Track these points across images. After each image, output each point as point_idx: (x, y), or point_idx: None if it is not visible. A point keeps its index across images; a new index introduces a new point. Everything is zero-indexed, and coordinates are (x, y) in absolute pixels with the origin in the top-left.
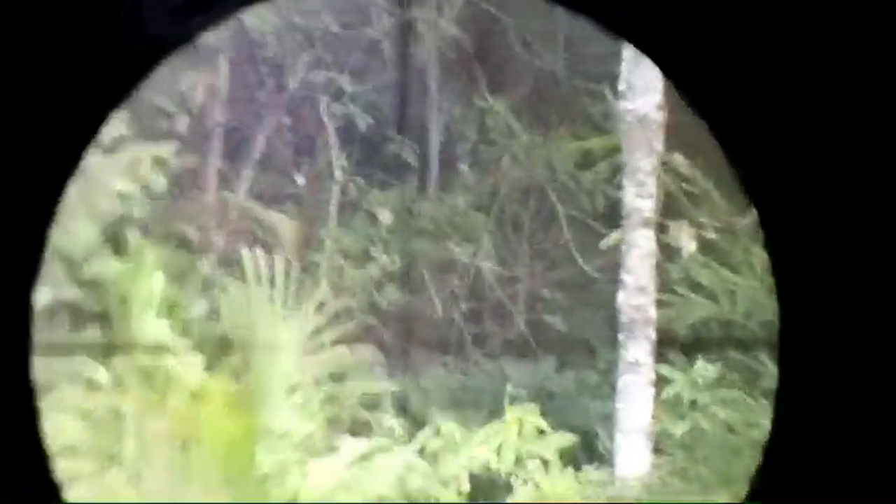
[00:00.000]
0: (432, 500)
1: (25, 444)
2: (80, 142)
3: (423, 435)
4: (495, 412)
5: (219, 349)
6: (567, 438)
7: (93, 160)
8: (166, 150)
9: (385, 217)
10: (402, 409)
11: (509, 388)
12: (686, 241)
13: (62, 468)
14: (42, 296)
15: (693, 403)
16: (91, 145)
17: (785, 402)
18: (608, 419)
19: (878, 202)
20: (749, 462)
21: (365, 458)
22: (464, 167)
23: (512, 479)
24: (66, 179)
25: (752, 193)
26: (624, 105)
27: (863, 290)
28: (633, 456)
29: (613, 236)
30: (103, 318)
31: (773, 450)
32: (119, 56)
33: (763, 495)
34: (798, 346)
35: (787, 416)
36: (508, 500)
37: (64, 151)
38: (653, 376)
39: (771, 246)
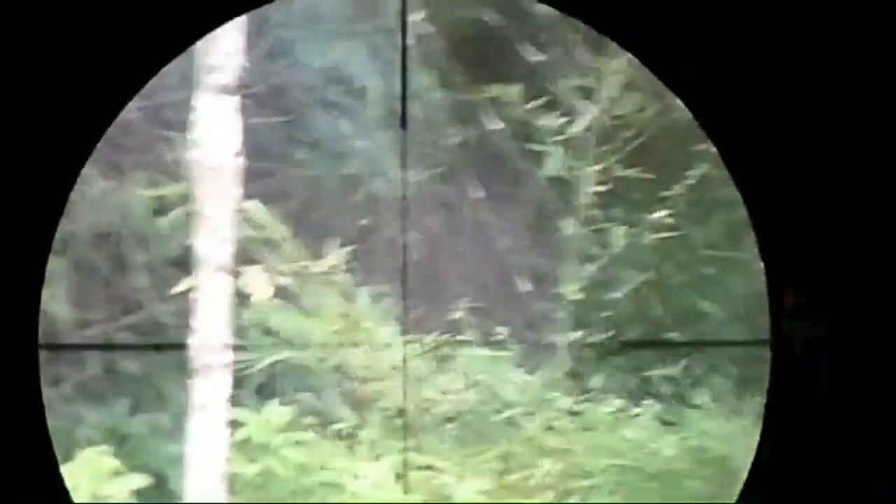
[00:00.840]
0: None
1: (34, 448)
2: (77, 154)
3: None
4: (69, 454)
5: None
6: (140, 480)
7: None
8: None
9: None
10: None
11: (83, 430)
12: (260, 286)
13: None
14: None
15: (265, 446)
16: (85, 160)
17: (779, 403)
18: (181, 461)
19: (874, 204)
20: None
21: None
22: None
23: None
24: (66, 189)
25: (746, 194)
26: (197, 153)
27: (859, 291)
28: (205, 497)
29: (186, 281)
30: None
31: (767, 451)
32: (109, 73)
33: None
34: (791, 349)
35: (780, 417)
36: None
37: (62, 163)
38: (226, 419)
39: (766, 246)
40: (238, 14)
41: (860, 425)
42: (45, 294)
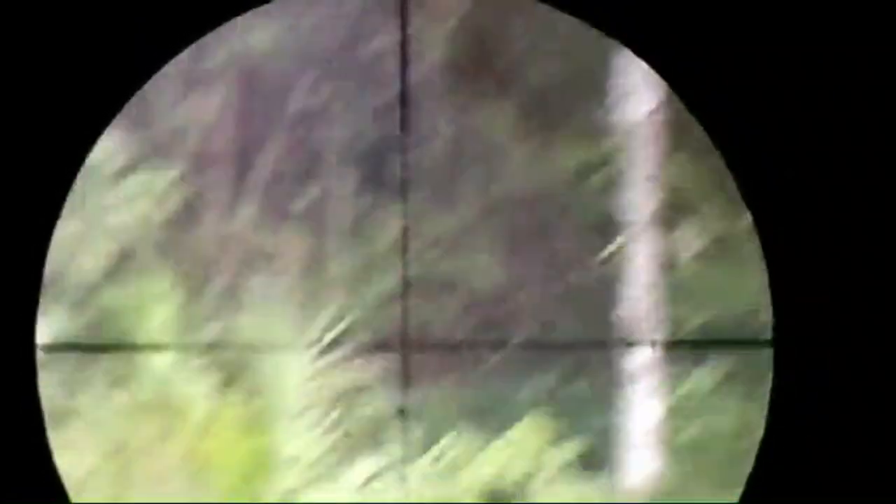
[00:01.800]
0: None
1: (30, 447)
2: (73, 156)
3: (436, 448)
4: (507, 423)
5: (230, 375)
6: (579, 446)
7: (94, 192)
8: (168, 179)
9: (388, 234)
10: (413, 422)
11: (524, 395)
12: (688, 244)
13: None
14: (46, 332)
15: (699, 407)
16: (84, 159)
17: (780, 403)
18: (615, 427)
19: (875, 204)
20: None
21: (376, 476)
22: (465, 176)
23: (525, 489)
24: (65, 187)
25: (747, 194)
26: (619, 112)
27: (860, 291)
28: (639, 464)
29: (615, 243)
30: (109, 351)
31: (768, 451)
32: (109, 73)
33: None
34: (793, 347)
35: (781, 417)
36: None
37: (58, 165)
38: (658, 382)
39: (766, 247)
40: (237, 14)
41: (861, 426)
42: (468, 262)
